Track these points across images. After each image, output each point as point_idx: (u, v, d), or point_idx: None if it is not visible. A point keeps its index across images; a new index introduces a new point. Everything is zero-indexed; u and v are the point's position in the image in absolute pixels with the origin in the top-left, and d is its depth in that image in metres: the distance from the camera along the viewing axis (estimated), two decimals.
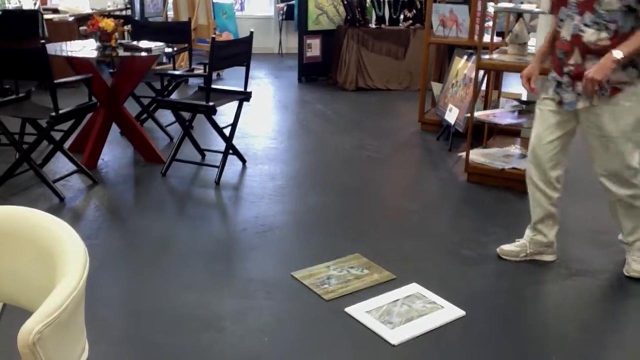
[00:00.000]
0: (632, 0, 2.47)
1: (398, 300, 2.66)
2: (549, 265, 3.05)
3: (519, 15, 4.59)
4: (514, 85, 7.45)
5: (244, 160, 4.53)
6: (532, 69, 2.90)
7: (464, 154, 4.29)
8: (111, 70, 5.13)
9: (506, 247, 3.09)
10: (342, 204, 3.83)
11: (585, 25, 2.56)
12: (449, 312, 2.59)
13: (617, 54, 2.48)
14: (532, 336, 2.47)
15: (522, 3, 4.49)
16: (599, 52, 2.54)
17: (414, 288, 2.77)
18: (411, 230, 3.45)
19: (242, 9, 10.22)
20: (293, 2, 8.64)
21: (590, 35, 2.56)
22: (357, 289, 2.75)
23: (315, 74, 7.80)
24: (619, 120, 2.61)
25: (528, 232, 3.07)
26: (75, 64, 4.27)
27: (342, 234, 3.38)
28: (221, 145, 4.49)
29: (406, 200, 3.95)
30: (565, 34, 2.65)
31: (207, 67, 4.15)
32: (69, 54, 4.12)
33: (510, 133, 4.86)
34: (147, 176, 4.22)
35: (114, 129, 4.61)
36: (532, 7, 4.10)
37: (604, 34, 2.53)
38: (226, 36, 8.45)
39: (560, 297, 2.78)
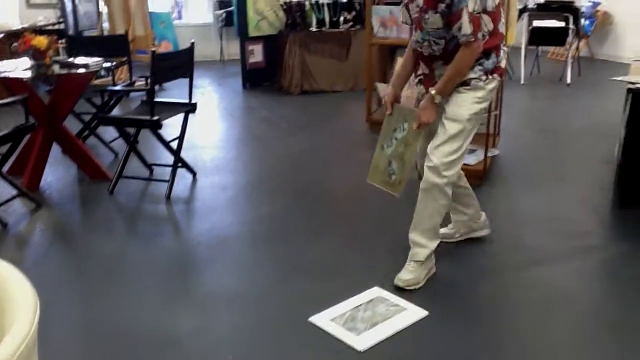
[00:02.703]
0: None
1: (361, 305, 2.65)
2: (507, 253, 3.10)
3: None
4: None
5: (193, 173, 4.44)
6: (390, 95, 2.94)
7: None
8: (48, 88, 4.94)
9: (443, 230, 3.13)
10: (294, 210, 3.79)
11: (417, 42, 2.75)
12: (413, 313, 2.58)
13: (437, 97, 2.67)
14: (496, 332, 2.50)
15: None
16: (440, 58, 2.71)
17: (376, 292, 2.76)
18: (367, 231, 3.45)
19: (179, 17, 10.05)
20: (232, 8, 8.54)
21: (425, 49, 2.73)
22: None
23: (260, 79, 7.73)
24: (461, 106, 2.71)
25: (452, 216, 3.20)
26: (10, 84, 4.10)
27: (296, 241, 3.34)
28: (169, 158, 4.39)
29: (360, 201, 3.95)
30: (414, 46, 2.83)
31: (148, 79, 4.04)
32: (1, 74, 3.94)
33: None
34: (93, 195, 4.08)
35: (55, 148, 4.45)
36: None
37: (435, 48, 2.69)
38: (165, 45, 8.30)
39: (520, 289, 2.82)
